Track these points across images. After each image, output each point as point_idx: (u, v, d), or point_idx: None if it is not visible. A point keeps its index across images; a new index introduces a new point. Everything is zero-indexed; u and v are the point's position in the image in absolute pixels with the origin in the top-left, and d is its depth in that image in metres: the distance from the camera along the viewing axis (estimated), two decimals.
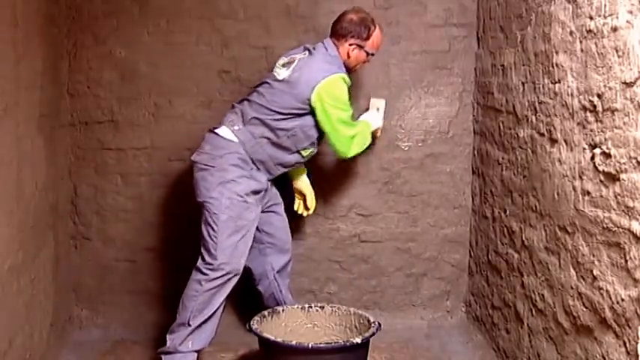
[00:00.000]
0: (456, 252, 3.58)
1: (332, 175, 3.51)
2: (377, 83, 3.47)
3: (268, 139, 2.96)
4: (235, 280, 2.89)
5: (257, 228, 3.01)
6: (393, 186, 3.54)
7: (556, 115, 2.35)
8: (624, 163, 1.82)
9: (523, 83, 2.73)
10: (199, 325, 2.85)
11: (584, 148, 2.10)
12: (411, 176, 3.53)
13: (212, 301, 2.85)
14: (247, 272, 3.16)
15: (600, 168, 1.97)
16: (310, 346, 2.62)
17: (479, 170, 3.40)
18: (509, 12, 2.92)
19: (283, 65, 3.02)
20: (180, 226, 3.43)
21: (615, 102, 1.87)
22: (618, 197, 1.86)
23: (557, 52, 2.33)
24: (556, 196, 2.34)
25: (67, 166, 3.42)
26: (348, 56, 3.05)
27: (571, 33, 2.19)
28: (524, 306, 2.71)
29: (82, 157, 3.47)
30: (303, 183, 3.31)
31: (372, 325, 2.78)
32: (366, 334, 2.71)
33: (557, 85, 2.33)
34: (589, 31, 2.04)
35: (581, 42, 2.12)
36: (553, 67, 2.36)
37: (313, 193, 3.32)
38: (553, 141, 2.38)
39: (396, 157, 3.52)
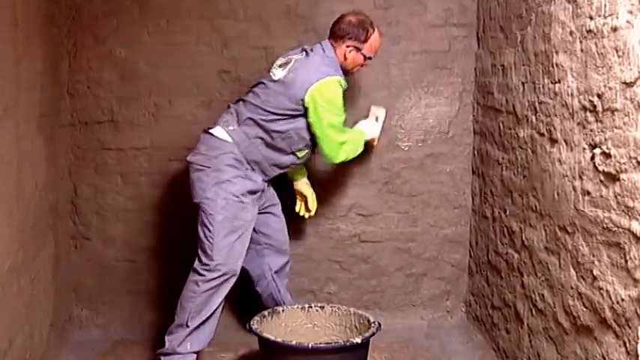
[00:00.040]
0: (456, 252, 3.58)
1: (332, 175, 3.51)
2: (377, 83, 3.47)
3: (262, 139, 2.95)
4: (232, 281, 2.89)
5: (254, 229, 3.00)
6: (393, 186, 3.54)
7: (556, 115, 2.35)
8: (624, 163, 1.82)
9: (523, 83, 2.73)
10: (198, 327, 2.85)
11: (584, 148, 2.10)
12: (411, 176, 3.53)
13: (210, 302, 2.84)
14: (245, 273, 3.17)
15: (600, 168, 1.97)
16: (310, 346, 2.62)
17: (479, 170, 3.41)
18: (509, 12, 2.92)
19: (280, 66, 3.01)
20: (180, 226, 3.42)
21: (615, 102, 1.87)
22: (618, 197, 1.86)
23: (557, 52, 2.33)
24: (556, 196, 2.34)
25: (67, 166, 3.42)
26: (345, 58, 3.02)
27: (571, 33, 2.19)
28: (524, 306, 2.71)
29: (82, 157, 3.47)
30: (304, 184, 3.31)
31: (372, 325, 2.78)
32: (366, 334, 2.71)
33: (557, 85, 2.33)
34: (589, 31, 2.04)
35: (581, 42, 2.12)
36: (553, 67, 2.36)
37: (314, 195, 3.32)
38: (553, 141, 2.38)
39: (396, 157, 3.52)
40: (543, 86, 2.48)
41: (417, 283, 3.60)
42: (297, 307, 3.01)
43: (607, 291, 1.93)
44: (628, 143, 1.79)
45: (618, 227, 1.86)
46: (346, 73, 3.05)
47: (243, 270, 3.13)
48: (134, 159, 3.48)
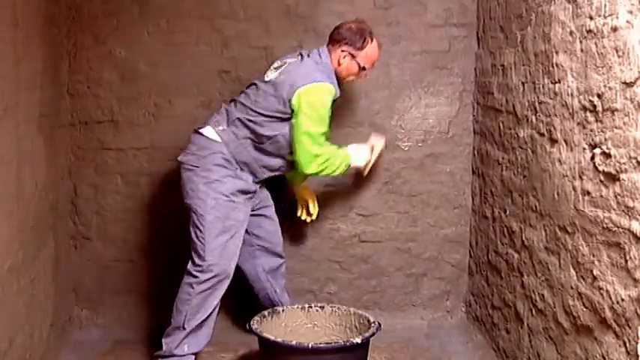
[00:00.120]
0: (456, 252, 3.58)
1: None
2: (377, 83, 3.47)
3: (252, 140, 2.92)
4: (227, 282, 2.88)
5: (247, 231, 2.99)
6: (393, 186, 3.54)
7: (556, 115, 2.35)
8: (624, 163, 1.82)
9: (523, 83, 2.73)
10: (195, 329, 2.85)
11: (584, 148, 2.10)
12: (411, 176, 3.53)
13: (205, 303, 2.84)
14: (242, 273, 3.17)
15: (600, 168, 1.97)
16: (310, 346, 2.62)
17: (479, 170, 3.40)
18: (509, 12, 2.92)
19: (275, 68, 2.99)
20: (180, 226, 3.41)
21: (615, 102, 1.87)
22: (618, 197, 1.86)
23: (557, 52, 2.33)
24: (556, 196, 2.34)
25: (67, 166, 3.42)
26: (339, 64, 2.95)
27: (571, 33, 2.19)
28: (524, 306, 2.71)
29: (82, 157, 3.47)
30: (304, 189, 3.30)
31: (372, 325, 2.78)
32: (366, 334, 2.71)
33: (557, 85, 2.33)
34: (589, 31, 2.04)
35: (581, 42, 2.12)
36: (553, 67, 2.36)
37: (315, 199, 3.31)
38: (553, 141, 2.38)
39: (396, 157, 3.52)
40: (543, 86, 2.48)
41: (417, 283, 3.60)
42: (297, 307, 3.01)
43: (607, 291, 1.93)
44: (628, 143, 1.79)
45: (618, 227, 1.86)
46: (340, 81, 2.99)
47: (240, 270, 3.13)
48: (134, 159, 3.48)
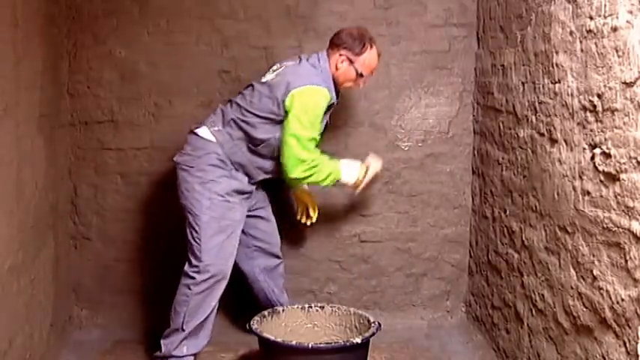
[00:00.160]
0: (456, 252, 3.58)
1: None
2: (377, 83, 3.47)
3: (246, 142, 2.91)
4: (224, 283, 2.87)
5: (243, 231, 2.98)
6: (393, 186, 3.54)
7: (556, 115, 2.35)
8: (624, 163, 1.82)
9: (523, 83, 2.73)
10: (193, 330, 2.85)
11: (584, 148, 2.10)
12: (411, 176, 3.53)
13: (203, 305, 2.84)
14: (241, 274, 3.16)
15: (600, 168, 1.97)
16: (310, 346, 2.62)
17: (479, 170, 3.40)
18: (509, 12, 2.92)
19: (273, 70, 2.97)
20: (180, 226, 3.40)
21: (615, 102, 1.87)
22: (618, 197, 1.86)
23: (557, 52, 2.33)
24: (556, 196, 2.34)
25: (67, 166, 3.42)
26: (337, 68, 2.91)
27: (571, 33, 2.19)
28: (524, 306, 2.71)
29: (82, 157, 3.47)
30: (304, 192, 3.28)
31: (372, 325, 2.78)
32: (366, 334, 2.71)
33: (557, 85, 2.33)
34: (589, 31, 2.04)
35: (581, 42, 2.12)
36: (553, 67, 2.36)
37: (315, 202, 3.29)
38: (553, 141, 2.38)
39: (396, 157, 3.52)
40: (543, 86, 2.48)
41: (417, 283, 3.60)
42: (297, 307, 3.01)
43: (607, 291, 1.93)
44: (628, 143, 1.79)
45: (618, 227, 1.86)
46: (337, 87, 2.96)
47: (239, 271, 3.13)
48: (134, 159, 3.48)
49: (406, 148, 3.52)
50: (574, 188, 2.17)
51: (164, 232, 3.50)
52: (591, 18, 2.03)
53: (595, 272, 2.01)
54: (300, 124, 2.79)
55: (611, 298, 1.91)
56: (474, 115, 3.49)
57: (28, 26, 2.65)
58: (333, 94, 2.91)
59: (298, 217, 3.30)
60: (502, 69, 3.01)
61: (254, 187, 3.03)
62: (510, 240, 2.90)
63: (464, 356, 3.21)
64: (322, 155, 2.93)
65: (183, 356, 2.87)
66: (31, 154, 2.73)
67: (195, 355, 2.91)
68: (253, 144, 2.90)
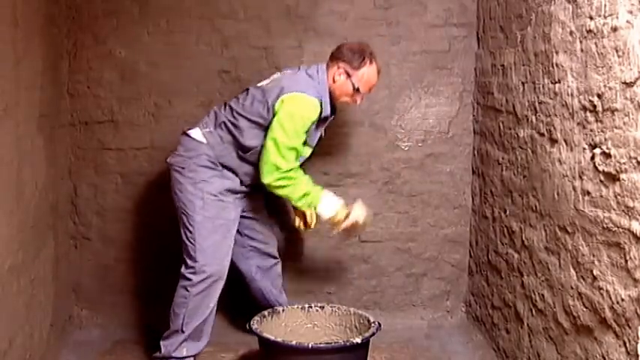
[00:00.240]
0: (456, 252, 3.58)
1: (331, 175, 3.51)
2: (377, 83, 3.46)
3: (235, 147, 2.88)
4: (220, 283, 2.87)
5: (239, 232, 2.98)
6: (393, 186, 3.54)
7: (556, 115, 2.35)
8: (624, 163, 1.82)
9: (523, 83, 2.73)
10: (193, 331, 2.85)
11: (584, 148, 2.10)
12: (411, 176, 3.53)
13: (202, 306, 2.84)
14: (238, 273, 3.16)
15: (600, 168, 1.97)
16: (310, 346, 2.62)
17: (479, 170, 3.40)
18: (509, 12, 2.92)
19: (272, 78, 2.95)
20: (180, 226, 3.42)
21: (615, 102, 1.87)
22: (618, 197, 1.86)
23: (557, 52, 2.33)
24: (556, 196, 2.34)
25: (67, 166, 3.42)
26: (334, 81, 2.85)
27: (571, 33, 2.19)
28: (524, 306, 2.71)
29: (82, 157, 3.47)
30: None
31: (372, 325, 2.78)
32: (366, 334, 2.71)
33: (557, 85, 2.33)
34: (589, 31, 2.04)
35: (581, 42, 2.12)
36: (553, 67, 2.36)
37: (314, 213, 3.24)
38: (553, 141, 2.38)
39: (396, 157, 3.52)
40: (543, 86, 2.48)
41: (417, 283, 3.60)
42: (297, 307, 3.01)
43: (607, 291, 1.93)
44: (628, 143, 1.79)
45: (618, 227, 1.86)
46: (334, 101, 2.92)
47: (237, 271, 3.12)
48: (134, 159, 3.48)
49: (406, 148, 3.52)
50: (574, 188, 2.17)
51: (164, 231, 3.50)
52: (591, 18, 2.03)
53: (595, 272, 2.01)
54: (283, 130, 2.74)
55: (611, 298, 1.91)
56: (474, 115, 3.49)
57: (28, 26, 2.65)
58: (327, 106, 2.86)
59: (296, 225, 3.17)
60: (502, 69, 3.01)
61: (247, 189, 3.00)
62: (510, 240, 2.90)
63: (464, 356, 3.21)
64: (304, 175, 2.87)
65: (183, 358, 2.87)
66: (31, 154, 2.73)
67: (194, 356, 2.91)
68: (242, 150, 2.88)
